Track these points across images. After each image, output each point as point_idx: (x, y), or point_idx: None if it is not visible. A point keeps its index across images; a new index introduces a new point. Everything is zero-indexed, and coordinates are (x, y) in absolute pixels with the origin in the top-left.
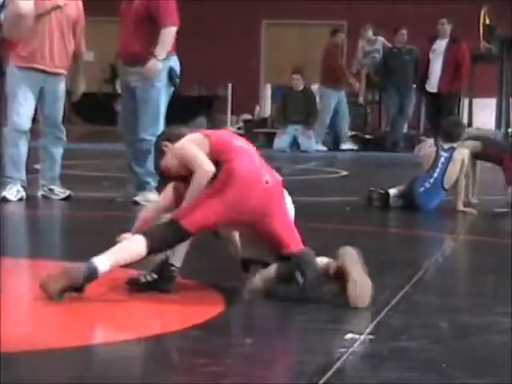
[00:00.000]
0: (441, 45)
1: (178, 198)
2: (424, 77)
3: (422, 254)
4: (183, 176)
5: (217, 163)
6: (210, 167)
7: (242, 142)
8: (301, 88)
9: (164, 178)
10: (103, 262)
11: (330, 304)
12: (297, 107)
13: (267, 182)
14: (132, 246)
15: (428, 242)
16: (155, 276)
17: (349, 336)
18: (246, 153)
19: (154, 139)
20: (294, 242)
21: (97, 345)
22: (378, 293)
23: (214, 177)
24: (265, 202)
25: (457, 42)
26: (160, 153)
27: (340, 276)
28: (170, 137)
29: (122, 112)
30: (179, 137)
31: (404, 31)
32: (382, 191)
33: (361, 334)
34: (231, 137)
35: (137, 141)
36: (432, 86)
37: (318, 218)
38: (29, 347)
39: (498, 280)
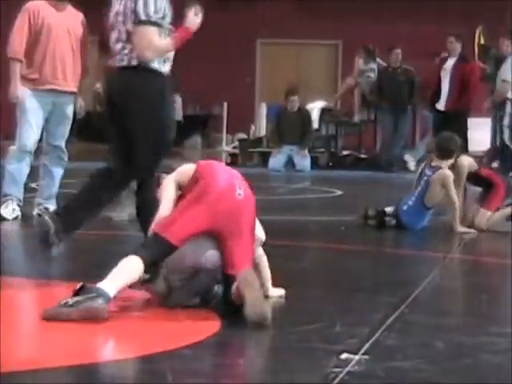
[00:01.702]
0: (450, 63)
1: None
2: (435, 96)
3: (417, 274)
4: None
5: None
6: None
7: (224, 165)
8: (296, 108)
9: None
10: (111, 289)
11: (326, 324)
12: (292, 127)
13: (239, 195)
14: (131, 267)
15: (423, 262)
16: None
17: (344, 356)
18: (223, 169)
19: None
20: (242, 263)
21: (90, 364)
22: (373, 312)
23: (190, 190)
24: (235, 214)
25: (466, 61)
26: (158, 183)
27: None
28: (168, 170)
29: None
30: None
31: (398, 50)
32: (378, 208)
33: (356, 354)
34: (217, 162)
35: None
36: (441, 104)
37: (313, 237)
38: (30, 366)
39: (493, 300)
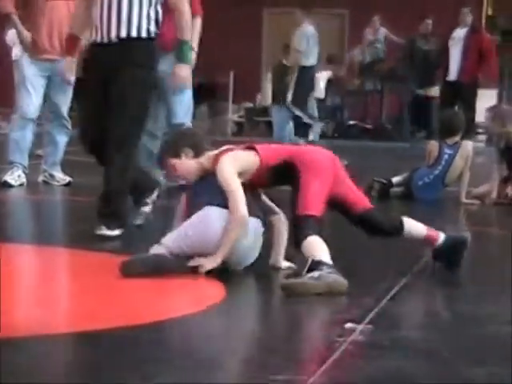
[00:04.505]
0: (461, 33)
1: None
2: (446, 65)
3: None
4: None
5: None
6: (244, 211)
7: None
8: None
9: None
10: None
11: (330, 294)
12: None
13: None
14: (320, 242)
15: None
16: None
17: (348, 325)
18: (306, 146)
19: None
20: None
21: (96, 331)
22: (378, 282)
23: (290, 174)
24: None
25: (477, 31)
26: (176, 155)
27: None
28: (192, 147)
29: None
30: (197, 146)
31: (429, 21)
32: (384, 181)
33: (360, 324)
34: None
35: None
36: (451, 73)
37: None
38: (38, 332)
39: (501, 271)
